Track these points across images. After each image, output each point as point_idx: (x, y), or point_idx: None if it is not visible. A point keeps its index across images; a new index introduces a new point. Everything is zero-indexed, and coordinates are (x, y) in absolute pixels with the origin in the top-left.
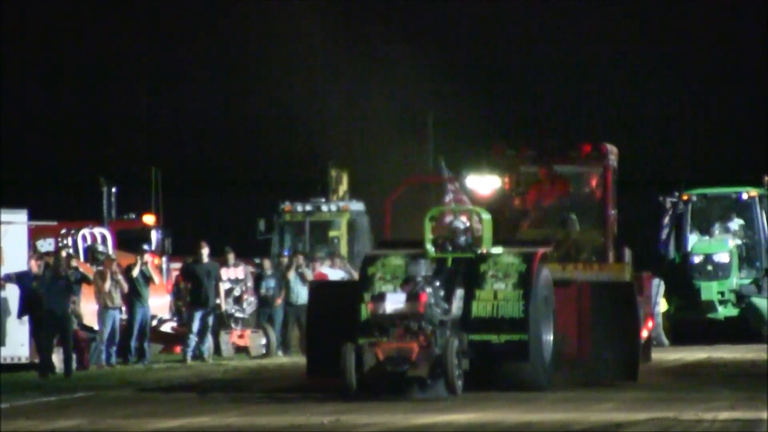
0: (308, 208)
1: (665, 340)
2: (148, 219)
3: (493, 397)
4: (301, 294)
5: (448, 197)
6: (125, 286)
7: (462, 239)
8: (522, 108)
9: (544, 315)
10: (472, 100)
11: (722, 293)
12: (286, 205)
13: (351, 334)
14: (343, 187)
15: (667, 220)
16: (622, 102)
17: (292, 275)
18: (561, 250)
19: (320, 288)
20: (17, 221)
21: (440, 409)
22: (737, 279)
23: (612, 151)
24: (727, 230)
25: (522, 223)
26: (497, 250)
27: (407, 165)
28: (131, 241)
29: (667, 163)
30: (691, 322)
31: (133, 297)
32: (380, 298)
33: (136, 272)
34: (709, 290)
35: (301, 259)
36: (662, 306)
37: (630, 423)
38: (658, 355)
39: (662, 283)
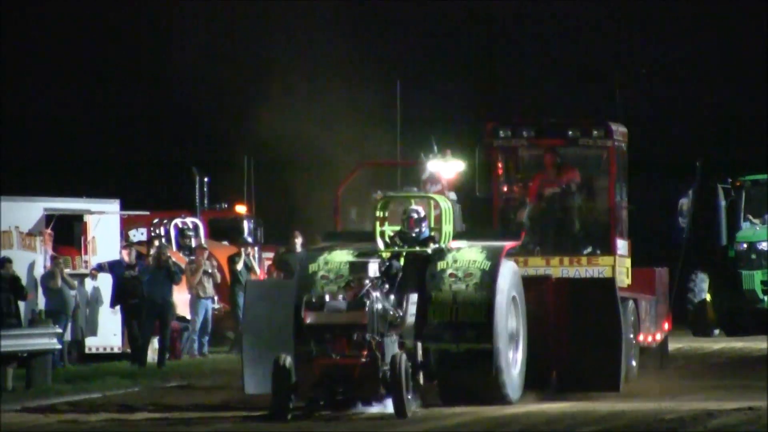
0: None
1: None
2: (240, 208)
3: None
4: None
5: (436, 187)
6: (218, 276)
7: (417, 232)
8: (511, 80)
9: (512, 319)
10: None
11: (766, 283)
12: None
13: (289, 343)
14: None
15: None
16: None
17: None
18: (562, 243)
19: (258, 288)
20: (110, 211)
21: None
22: None
23: (619, 131)
24: None
25: (519, 214)
26: (458, 244)
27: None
28: (223, 230)
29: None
30: (737, 313)
31: (236, 287)
32: (317, 305)
33: (240, 265)
34: (752, 279)
35: None
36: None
37: (721, 412)
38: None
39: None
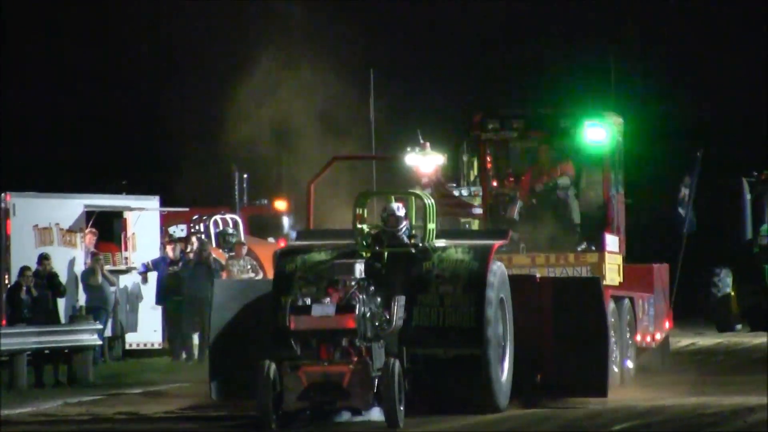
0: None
1: None
2: (280, 204)
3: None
4: None
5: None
6: (260, 272)
7: (398, 230)
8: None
9: (501, 322)
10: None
11: None
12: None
13: (266, 348)
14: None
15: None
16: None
17: None
18: (556, 240)
19: (226, 287)
20: (149, 207)
21: None
22: None
23: (614, 122)
24: None
25: (510, 210)
26: (443, 243)
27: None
28: (262, 226)
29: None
30: (761, 307)
31: None
32: (304, 309)
33: None
34: None
35: None
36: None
37: (761, 407)
38: None
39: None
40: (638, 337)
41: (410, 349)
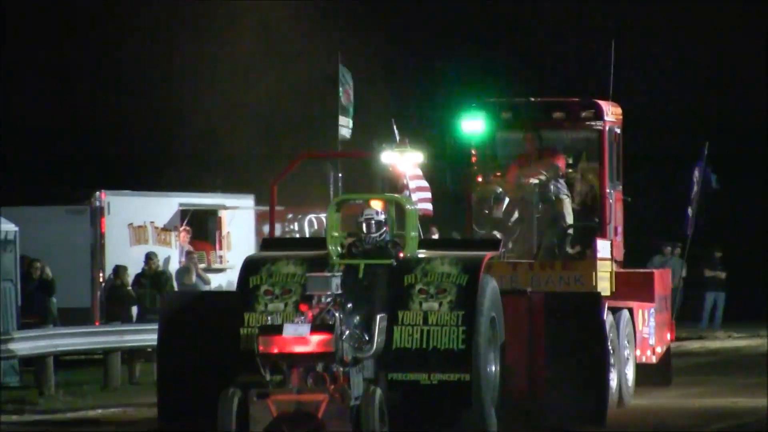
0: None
1: None
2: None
3: None
4: None
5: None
6: None
7: (377, 238)
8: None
9: (491, 344)
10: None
11: None
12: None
13: (227, 371)
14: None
15: None
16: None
17: None
18: (544, 242)
19: (177, 300)
20: (244, 206)
21: None
22: None
23: (611, 110)
24: None
25: (494, 208)
26: (427, 254)
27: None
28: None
29: None
30: None
31: None
32: (274, 329)
33: None
34: None
35: None
36: None
37: None
38: None
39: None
40: (638, 352)
41: (390, 374)
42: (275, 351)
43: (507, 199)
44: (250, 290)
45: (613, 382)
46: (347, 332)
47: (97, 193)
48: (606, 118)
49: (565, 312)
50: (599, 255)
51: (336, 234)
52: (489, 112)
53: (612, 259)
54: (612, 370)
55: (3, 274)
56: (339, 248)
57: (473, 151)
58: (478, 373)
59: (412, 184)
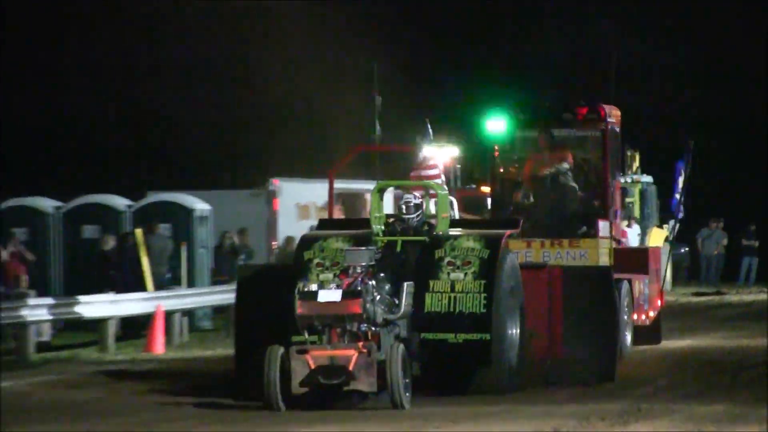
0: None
1: None
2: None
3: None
4: None
5: (433, 171)
6: None
7: (414, 219)
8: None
9: (510, 309)
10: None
11: None
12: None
13: (280, 333)
14: (636, 164)
15: None
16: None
17: None
18: (555, 224)
19: (250, 274)
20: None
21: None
22: None
23: (612, 113)
24: None
25: (515, 195)
26: (456, 232)
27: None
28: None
29: None
30: None
31: None
32: (311, 295)
33: None
34: None
35: None
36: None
37: None
38: None
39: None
40: (635, 316)
41: (423, 333)
42: (311, 313)
43: (523, 188)
44: (305, 263)
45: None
46: (378, 297)
47: (272, 179)
48: (608, 119)
49: (580, 283)
50: (600, 234)
51: (378, 215)
52: (509, 114)
53: (611, 237)
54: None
55: (199, 243)
56: (381, 227)
57: (496, 147)
58: (498, 333)
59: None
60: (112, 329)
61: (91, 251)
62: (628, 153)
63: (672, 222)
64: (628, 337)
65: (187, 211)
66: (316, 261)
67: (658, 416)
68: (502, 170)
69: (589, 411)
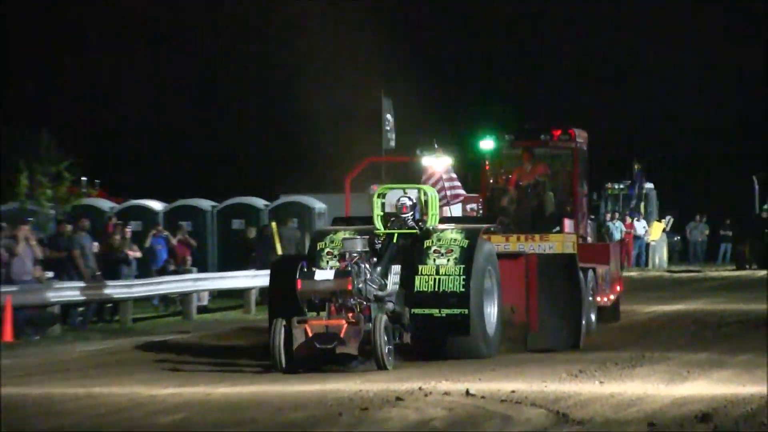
0: (620, 186)
1: None
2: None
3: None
4: None
5: (440, 184)
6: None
7: (408, 216)
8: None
9: (486, 288)
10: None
11: None
12: (608, 184)
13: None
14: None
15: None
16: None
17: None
18: (536, 223)
19: (279, 262)
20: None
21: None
22: None
23: (580, 135)
24: None
25: (502, 201)
26: (443, 226)
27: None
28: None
29: None
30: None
31: None
32: (309, 275)
33: None
34: None
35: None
36: None
37: None
38: None
39: None
40: (598, 298)
41: (413, 309)
42: (308, 289)
43: (509, 195)
44: (317, 252)
45: (584, 320)
46: (369, 277)
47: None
48: (577, 140)
49: (552, 267)
50: (567, 230)
51: (380, 213)
52: (497, 135)
53: (577, 233)
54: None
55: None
56: (382, 223)
57: (486, 161)
58: (474, 308)
59: (447, 182)
60: (253, 297)
61: (238, 239)
62: (635, 165)
63: (668, 217)
64: (593, 316)
65: (309, 209)
66: (326, 250)
67: (657, 362)
68: (492, 180)
69: (605, 357)
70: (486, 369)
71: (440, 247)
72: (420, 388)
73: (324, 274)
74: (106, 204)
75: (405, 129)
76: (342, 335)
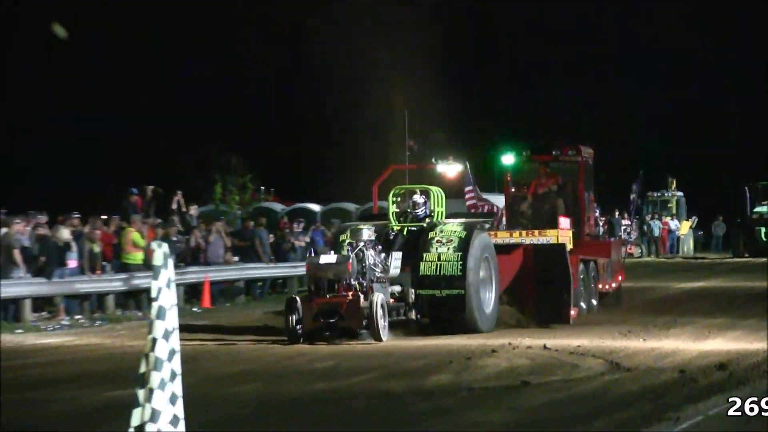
0: (658, 194)
1: None
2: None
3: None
4: None
5: (469, 196)
6: None
7: (419, 212)
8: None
9: (483, 273)
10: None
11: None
12: (649, 193)
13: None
14: (674, 185)
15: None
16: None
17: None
18: (550, 223)
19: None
20: None
21: None
22: None
23: (586, 151)
24: None
25: (521, 206)
26: (447, 221)
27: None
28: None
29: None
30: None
31: None
32: (315, 259)
33: None
34: (761, 232)
35: None
36: None
37: None
38: None
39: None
40: (600, 285)
41: (418, 290)
42: (314, 272)
43: (527, 201)
44: (340, 242)
45: (585, 303)
46: (372, 261)
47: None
48: (583, 155)
49: (545, 255)
50: (561, 227)
51: (395, 210)
52: (517, 150)
53: (582, 231)
54: (583, 294)
55: None
56: (395, 218)
57: (508, 173)
58: (469, 290)
59: (467, 187)
60: None
61: None
62: (669, 179)
63: (693, 217)
64: (595, 300)
65: (348, 212)
66: (348, 241)
67: (686, 324)
68: (513, 189)
69: (647, 321)
70: (558, 330)
71: (442, 237)
72: (509, 343)
73: (327, 258)
74: (278, 206)
75: (430, 137)
76: (343, 311)
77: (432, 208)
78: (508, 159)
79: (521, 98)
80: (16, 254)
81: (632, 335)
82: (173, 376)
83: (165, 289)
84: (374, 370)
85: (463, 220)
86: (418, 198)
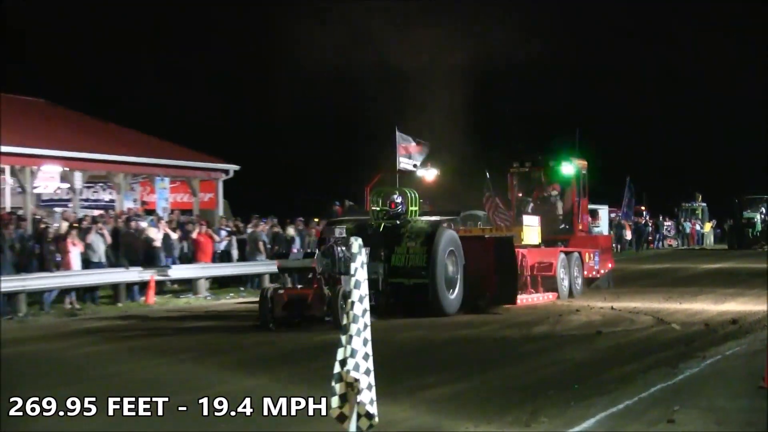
0: (689, 204)
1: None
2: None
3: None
4: None
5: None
6: None
7: (394, 211)
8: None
9: (449, 264)
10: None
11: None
12: (683, 203)
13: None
14: (700, 198)
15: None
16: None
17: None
18: (550, 224)
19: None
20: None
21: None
22: None
23: (580, 163)
24: None
25: (527, 208)
26: (419, 218)
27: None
28: None
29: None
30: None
31: None
32: (285, 255)
33: None
34: (750, 230)
35: None
36: None
37: None
38: None
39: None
40: (585, 272)
41: (390, 279)
42: (284, 266)
43: (532, 204)
44: (323, 238)
45: (566, 287)
46: (342, 257)
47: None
48: (576, 167)
49: (501, 246)
50: (525, 223)
51: (375, 208)
52: (521, 162)
53: (538, 226)
54: (565, 279)
55: None
56: (374, 216)
57: (515, 181)
58: (434, 279)
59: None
60: None
61: None
62: (696, 193)
63: (713, 220)
64: (579, 285)
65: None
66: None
67: (709, 293)
68: (519, 195)
69: (682, 291)
70: (621, 294)
71: (411, 233)
72: (588, 305)
73: (296, 255)
74: None
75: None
76: (309, 301)
77: (408, 207)
78: (568, 169)
79: (519, 106)
80: (260, 245)
81: (671, 300)
82: (365, 327)
83: (359, 268)
84: (496, 323)
85: (434, 218)
86: (395, 197)
